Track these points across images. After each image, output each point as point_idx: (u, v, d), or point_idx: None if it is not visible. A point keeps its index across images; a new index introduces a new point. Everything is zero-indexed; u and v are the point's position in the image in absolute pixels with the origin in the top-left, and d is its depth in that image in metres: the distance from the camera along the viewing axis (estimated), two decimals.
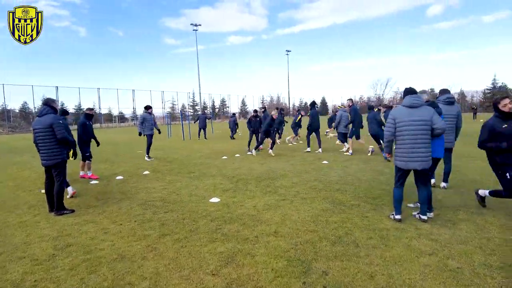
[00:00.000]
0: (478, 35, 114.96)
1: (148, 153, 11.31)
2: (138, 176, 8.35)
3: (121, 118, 58.86)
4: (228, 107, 79.32)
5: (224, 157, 11.31)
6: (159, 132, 12.30)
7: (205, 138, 20.10)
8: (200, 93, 64.05)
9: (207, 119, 20.92)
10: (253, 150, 12.17)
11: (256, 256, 3.54)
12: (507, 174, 4.28)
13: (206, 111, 62.96)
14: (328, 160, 9.87)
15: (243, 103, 79.49)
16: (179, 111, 40.01)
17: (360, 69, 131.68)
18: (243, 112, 77.20)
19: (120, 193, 6.57)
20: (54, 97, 14.47)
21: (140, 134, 11.25)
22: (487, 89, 73.47)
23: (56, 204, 5.25)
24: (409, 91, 4.44)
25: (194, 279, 3.09)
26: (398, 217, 4.46)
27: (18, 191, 7.13)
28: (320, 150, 12.03)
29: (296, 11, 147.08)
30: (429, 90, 63.47)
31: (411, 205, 5.08)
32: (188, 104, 71.25)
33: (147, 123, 11.08)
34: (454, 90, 76.71)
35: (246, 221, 4.66)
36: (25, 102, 52.53)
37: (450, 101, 5.78)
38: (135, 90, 56.75)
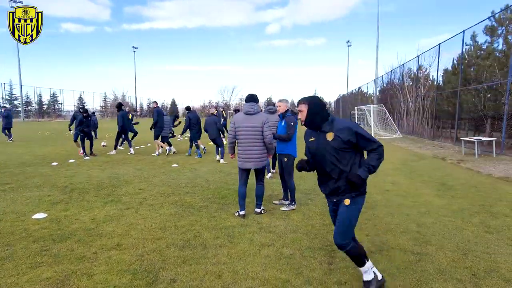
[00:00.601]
0: (305, 55, 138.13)
1: None
2: None
3: None
4: (60, 103, 68.20)
5: (54, 164, 9.58)
6: None
7: (10, 139, 16.49)
8: (21, 85, 52.50)
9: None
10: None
11: (95, 275, 3.10)
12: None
13: (7, 105, 51.34)
14: (178, 163, 9.74)
15: (81, 100, 69.72)
16: None
17: (210, 74, 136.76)
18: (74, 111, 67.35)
19: None
20: None
21: None
22: None
23: None
24: (248, 99, 4.90)
25: None
26: (242, 213, 4.80)
27: None
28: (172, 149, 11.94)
29: (143, 7, 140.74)
30: (268, 99, 72.38)
31: (276, 202, 5.62)
32: (3, 98, 57.33)
33: None
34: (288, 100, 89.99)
35: (82, 236, 4.04)
36: None
37: (271, 111, 6.88)
38: None
